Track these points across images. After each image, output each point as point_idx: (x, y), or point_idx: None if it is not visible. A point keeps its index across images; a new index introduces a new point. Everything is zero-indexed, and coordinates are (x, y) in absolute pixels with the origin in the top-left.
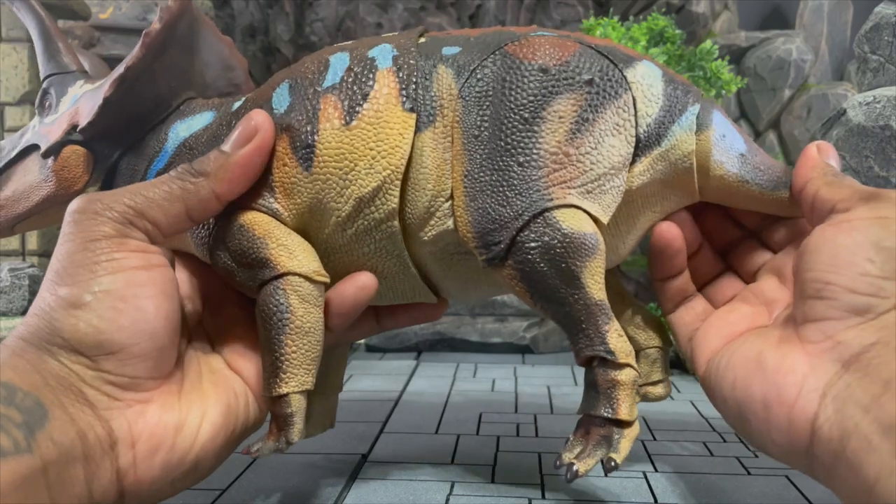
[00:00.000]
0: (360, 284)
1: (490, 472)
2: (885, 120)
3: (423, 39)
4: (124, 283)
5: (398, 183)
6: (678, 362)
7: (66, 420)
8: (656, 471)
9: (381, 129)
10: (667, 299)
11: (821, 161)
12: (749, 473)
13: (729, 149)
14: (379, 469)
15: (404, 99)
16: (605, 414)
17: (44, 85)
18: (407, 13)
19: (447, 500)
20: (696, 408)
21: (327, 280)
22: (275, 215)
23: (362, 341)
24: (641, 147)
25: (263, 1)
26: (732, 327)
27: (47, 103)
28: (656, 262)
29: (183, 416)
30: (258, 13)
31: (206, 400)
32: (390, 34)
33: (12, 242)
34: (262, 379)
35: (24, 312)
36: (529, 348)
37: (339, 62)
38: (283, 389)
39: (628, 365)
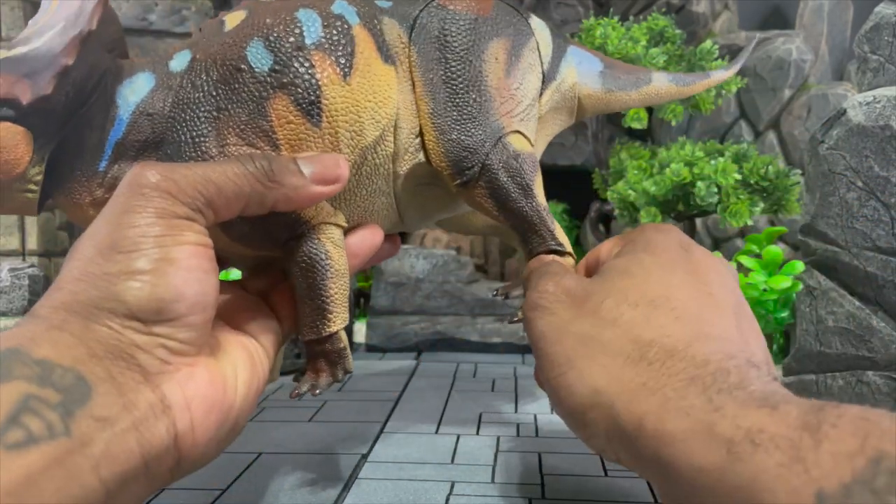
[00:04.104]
0: (373, 230)
1: (490, 472)
2: (885, 120)
3: None
4: (188, 255)
5: (392, 128)
6: None
7: (112, 392)
8: None
9: (373, 82)
10: None
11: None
12: None
13: (588, 72)
14: (379, 469)
15: (381, 52)
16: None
17: None
18: None
19: (447, 500)
20: None
21: (346, 225)
22: None
23: (363, 341)
24: (545, 82)
25: None
26: None
27: None
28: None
29: (223, 374)
30: None
31: (233, 359)
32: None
33: (12, 242)
34: (306, 324)
35: (24, 312)
36: (529, 348)
37: (309, 20)
38: (333, 328)
39: (569, 253)
